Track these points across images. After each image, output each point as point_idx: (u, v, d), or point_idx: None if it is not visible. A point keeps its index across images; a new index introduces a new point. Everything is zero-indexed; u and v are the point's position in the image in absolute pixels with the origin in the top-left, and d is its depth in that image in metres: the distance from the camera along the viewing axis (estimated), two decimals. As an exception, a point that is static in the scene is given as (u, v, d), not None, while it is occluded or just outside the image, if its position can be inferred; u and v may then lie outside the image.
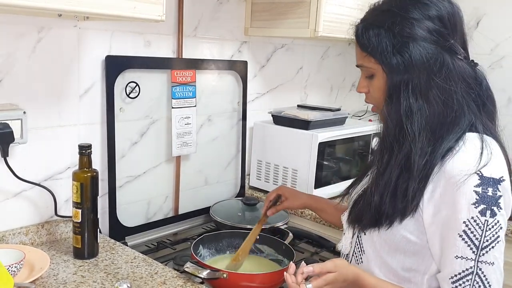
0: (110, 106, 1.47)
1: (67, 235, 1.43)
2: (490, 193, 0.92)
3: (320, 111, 1.93)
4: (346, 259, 1.15)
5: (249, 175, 2.02)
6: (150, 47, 1.57)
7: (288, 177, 1.87)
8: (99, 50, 1.45)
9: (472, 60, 1.03)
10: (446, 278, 0.95)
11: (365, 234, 1.08)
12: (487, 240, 0.91)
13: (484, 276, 0.92)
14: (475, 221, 0.91)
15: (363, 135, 2.01)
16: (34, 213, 1.38)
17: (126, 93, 1.52)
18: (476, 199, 0.91)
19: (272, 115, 1.94)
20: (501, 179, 0.93)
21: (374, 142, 2.04)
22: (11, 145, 1.25)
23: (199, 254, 1.41)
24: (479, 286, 0.92)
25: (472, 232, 0.92)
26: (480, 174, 0.92)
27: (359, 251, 1.11)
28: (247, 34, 1.87)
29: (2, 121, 1.23)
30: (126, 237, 1.56)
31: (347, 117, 2.03)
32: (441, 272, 0.97)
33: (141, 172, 1.61)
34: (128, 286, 1.09)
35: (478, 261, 0.92)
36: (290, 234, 1.56)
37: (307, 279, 0.99)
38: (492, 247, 0.92)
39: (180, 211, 1.76)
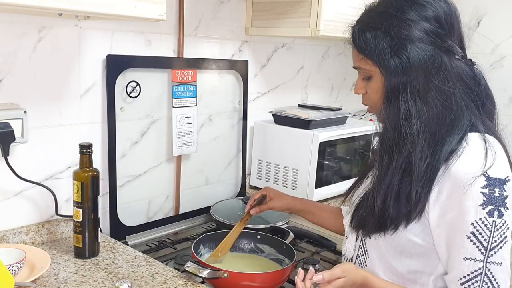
0: (111, 105, 1.47)
1: (67, 234, 1.43)
2: (497, 194, 0.91)
3: (320, 111, 1.93)
4: (350, 262, 1.15)
5: (249, 174, 2.02)
6: (150, 46, 1.57)
7: (289, 176, 1.87)
8: (100, 50, 1.45)
9: (470, 59, 1.03)
10: (455, 279, 0.94)
11: (370, 238, 1.07)
12: (495, 241, 0.91)
13: (493, 276, 0.91)
14: (483, 222, 0.91)
15: (364, 134, 2.00)
16: (35, 213, 1.38)
17: (127, 93, 1.51)
18: (484, 200, 0.91)
19: (273, 115, 1.94)
20: (507, 179, 0.93)
21: (375, 142, 2.04)
22: (12, 144, 1.25)
23: (200, 254, 1.41)
24: (488, 286, 0.92)
25: (480, 234, 0.91)
26: (487, 175, 0.92)
27: (363, 255, 1.10)
28: (248, 34, 1.87)
29: (3, 121, 1.23)
30: (126, 237, 1.56)
31: (347, 116, 2.03)
32: (449, 274, 0.97)
33: (141, 172, 1.61)
34: (128, 286, 1.09)
35: (486, 262, 0.92)
36: (291, 234, 1.56)
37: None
38: (500, 247, 0.91)
39: (181, 211, 1.76)
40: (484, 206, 0.91)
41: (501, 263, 0.92)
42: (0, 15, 1.22)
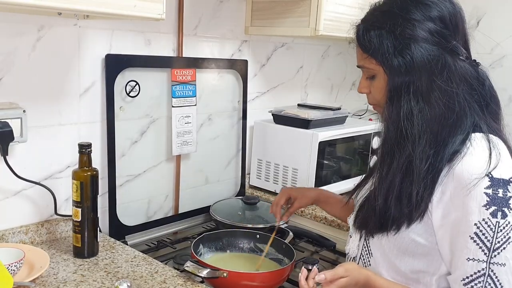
0: (110, 104, 1.47)
1: (67, 234, 1.43)
2: (500, 195, 0.91)
3: (320, 110, 1.92)
4: (353, 261, 1.14)
5: (249, 174, 2.01)
6: (150, 45, 1.57)
7: (288, 176, 1.87)
8: (99, 49, 1.44)
9: (474, 60, 1.02)
10: (458, 280, 0.94)
11: (373, 238, 1.07)
12: (498, 242, 0.91)
13: (496, 277, 0.91)
14: (486, 223, 0.91)
15: (363, 134, 2.00)
16: (34, 212, 1.38)
17: (126, 92, 1.51)
18: (487, 201, 0.91)
19: (273, 114, 1.94)
20: (511, 179, 0.93)
21: (375, 141, 2.04)
22: (10, 144, 1.25)
23: (199, 253, 1.41)
24: (491, 287, 0.91)
25: (483, 234, 0.91)
26: (490, 175, 0.92)
27: (366, 254, 1.10)
28: (248, 33, 1.87)
29: (2, 120, 1.22)
30: (126, 236, 1.55)
31: (347, 116, 2.03)
32: (452, 274, 0.96)
33: (141, 171, 1.61)
34: (128, 285, 1.08)
35: (489, 262, 0.91)
36: (290, 233, 1.56)
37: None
38: (504, 248, 0.91)
39: (180, 210, 1.75)
40: (488, 206, 0.90)
41: (504, 264, 0.91)
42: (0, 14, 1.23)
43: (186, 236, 1.66)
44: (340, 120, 1.98)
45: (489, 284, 0.91)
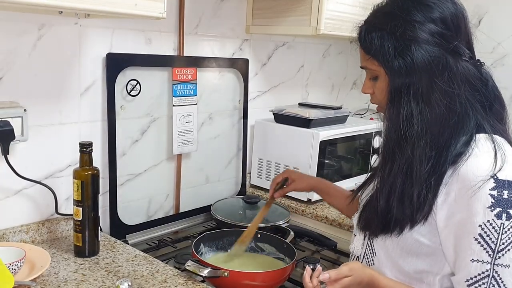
0: (111, 104, 1.47)
1: (67, 233, 1.43)
2: (505, 196, 0.90)
3: (321, 110, 1.92)
4: (357, 260, 1.14)
5: (250, 173, 2.01)
6: (151, 44, 1.57)
7: (289, 175, 1.87)
8: (100, 48, 1.44)
9: (478, 60, 1.02)
10: (462, 281, 0.94)
11: (377, 238, 1.07)
12: (503, 243, 0.90)
13: (500, 279, 0.91)
14: (491, 224, 0.90)
15: (364, 133, 2.00)
16: (34, 211, 1.38)
17: (127, 91, 1.51)
18: (492, 202, 0.90)
19: (273, 113, 1.93)
20: None
21: (376, 141, 2.04)
22: (11, 143, 1.25)
23: (200, 253, 1.40)
24: None
25: (488, 236, 0.90)
26: (495, 177, 0.91)
27: (370, 254, 1.10)
28: (249, 32, 1.87)
29: (3, 119, 1.22)
30: (127, 235, 1.55)
31: (348, 115, 2.03)
32: (456, 275, 0.96)
33: (142, 170, 1.61)
34: (129, 285, 1.08)
35: (494, 264, 0.91)
36: (291, 233, 1.56)
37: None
38: (508, 249, 0.90)
39: (181, 209, 1.75)
40: (493, 208, 0.90)
41: (509, 265, 0.91)
42: (0, 12, 1.22)
43: (186, 236, 1.66)
44: (341, 119, 1.98)
45: (493, 285, 0.91)
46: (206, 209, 1.79)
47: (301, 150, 1.82)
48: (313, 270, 1.02)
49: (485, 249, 0.91)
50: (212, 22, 1.74)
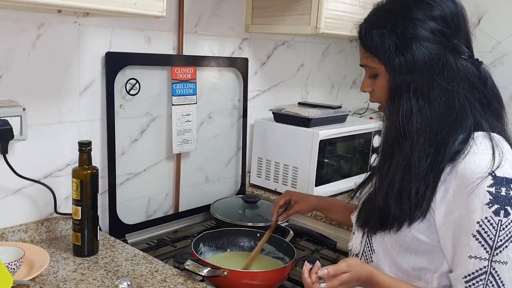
0: (110, 103, 1.47)
1: (67, 232, 1.43)
2: (503, 193, 0.91)
3: (321, 109, 1.92)
4: (355, 257, 1.15)
5: (249, 172, 2.01)
6: (150, 43, 1.57)
7: (289, 175, 1.87)
8: (99, 47, 1.44)
9: (477, 59, 1.03)
10: (460, 277, 0.94)
11: (375, 235, 1.08)
12: (500, 240, 0.91)
13: (498, 275, 0.91)
14: (488, 221, 0.91)
15: (364, 132, 2.00)
16: (33, 211, 1.38)
17: (126, 90, 1.51)
18: (490, 199, 0.91)
19: (273, 113, 1.93)
20: None
21: (375, 140, 2.04)
22: (10, 142, 1.24)
23: (200, 252, 1.40)
24: (493, 285, 0.91)
25: (486, 232, 0.91)
26: (493, 174, 0.92)
27: (369, 251, 1.11)
28: (248, 31, 1.87)
29: (2, 118, 1.22)
30: (126, 235, 1.55)
31: (348, 114, 2.02)
32: (454, 271, 0.97)
33: (141, 170, 1.61)
34: (128, 284, 1.08)
35: (491, 260, 0.91)
36: (291, 232, 1.56)
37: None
38: (506, 246, 0.91)
39: (181, 209, 1.75)
40: (491, 205, 0.91)
41: (506, 262, 0.91)
42: (-1, 11, 1.22)
43: (186, 235, 1.66)
44: (341, 119, 1.98)
45: (491, 282, 0.91)
46: (205, 209, 1.79)
47: (300, 150, 1.82)
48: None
49: (483, 245, 0.92)
50: (212, 21, 1.74)
